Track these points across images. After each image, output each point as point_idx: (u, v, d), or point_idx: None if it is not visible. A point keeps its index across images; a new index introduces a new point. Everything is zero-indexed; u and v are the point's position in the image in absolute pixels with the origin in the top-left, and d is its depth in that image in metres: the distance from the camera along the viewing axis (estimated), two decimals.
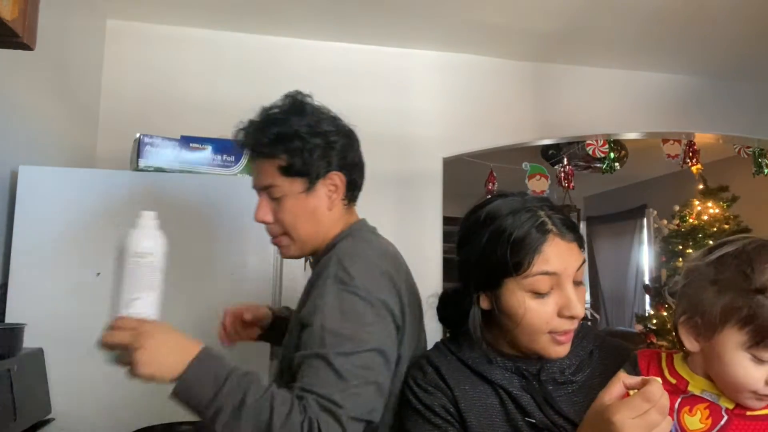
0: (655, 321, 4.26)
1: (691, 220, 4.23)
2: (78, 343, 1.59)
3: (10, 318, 1.57)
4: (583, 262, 0.93)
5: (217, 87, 2.71)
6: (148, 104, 2.62)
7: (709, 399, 0.83)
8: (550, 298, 0.90)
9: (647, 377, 0.75)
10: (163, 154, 1.71)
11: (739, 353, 0.80)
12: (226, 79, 2.73)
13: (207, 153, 1.75)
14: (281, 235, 1.18)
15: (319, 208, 1.15)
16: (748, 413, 0.81)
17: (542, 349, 0.92)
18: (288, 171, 1.12)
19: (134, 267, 0.96)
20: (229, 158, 1.76)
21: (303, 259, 1.90)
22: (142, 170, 1.69)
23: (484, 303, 0.96)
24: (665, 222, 4.57)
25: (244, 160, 1.77)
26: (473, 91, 2.98)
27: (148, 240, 0.99)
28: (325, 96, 3.18)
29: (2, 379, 1.32)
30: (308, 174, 1.13)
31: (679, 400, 0.84)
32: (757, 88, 3.26)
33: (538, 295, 0.89)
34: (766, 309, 0.77)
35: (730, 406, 0.82)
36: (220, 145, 1.77)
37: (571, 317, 0.90)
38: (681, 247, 4.22)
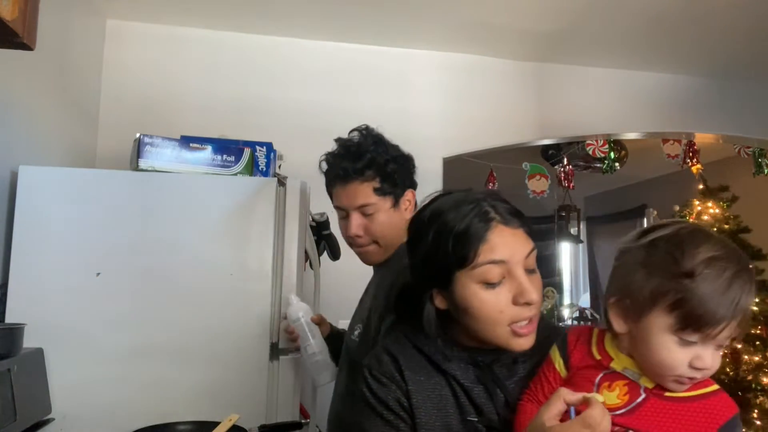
0: None
1: (691, 220, 4.23)
2: (78, 343, 1.59)
3: (10, 318, 1.57)
4: (533, 249, 0.91)
5: (217, 87, 2.71)
6: (148, 104, 2.62)
7: (630, 377, 0.83)
8: (503, 287, 0.88)
9: (589, 395, 0.75)
10: (163, 154, 1.71)
11: (665, 336, 0.80)
12: (226, 79, 2.73)
13: (207, 153, 1.75)
14: (370, 245, 1.40)
15: (402, 221, 1.38)
16: (666, 394, 0.81)
17: (503, 342, 0.90)
18: (381, 191, 1.36)
19: (298, 327, 1.55)
20: (229, 158, 1.76)
21: (304, 260, 1.90)
22: (142, 170, 1.69)
23: (440, 302, 0.95)
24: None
25: (244, 161, 1.77)
26: (473, 91, 2.98)
27: (296, 310, 1.56)
28: (325, 96, 3.21)
29: (2, 379, 1.32)
30: (394, 193, 1.38)
31: (600, 375, 0.85)
32: (757, 88, 3.26)
33: (490, 285, 0.88)
34: (694, 293, 0.77)
35: (650, 386, 0.82)
36: (220, 145, 1.77)
37: (527, 303, 0.88)
38: None
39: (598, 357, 0.87)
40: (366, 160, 1.34)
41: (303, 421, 1.61)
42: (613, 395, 0.82)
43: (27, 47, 1.09)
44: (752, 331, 3.78)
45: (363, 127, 1.41)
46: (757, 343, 3.73)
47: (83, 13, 2.41)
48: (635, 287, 0.83)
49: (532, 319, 0.90)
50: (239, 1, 2.48)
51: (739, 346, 3.74)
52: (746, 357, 3.70)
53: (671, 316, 0.79)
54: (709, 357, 0.79)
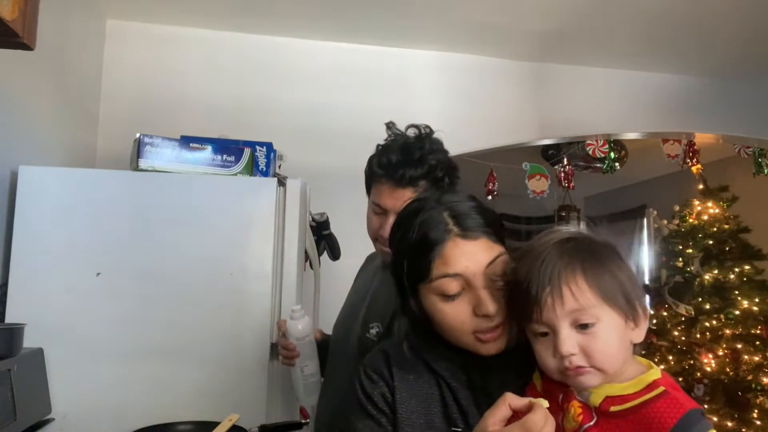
0: (655, 321, 4.26)
1: (691, 220, 4.23)
2: (78, 343, 1.59)
3: (10, 318, 1.57)
4: (497, 256, 0.88)
5: (217, 87, 2.71)
6: (148, 104, 2.63)
7: (581, 398, 0.81)
8: (462, 298, 0.88)
9: (534, 400, 0.73)
10: (163, 154, 1.71)
11: (530, 336, 0.82)
12: (226, 79, 2.73)
13: (207, 153, 1.75)
14: None
15: None
16: (612, 409, 0.78)
17: (471, 349, 0.90)
18: None
19: (299, 346, 1.40)
20: (229, 158, 1.76)
21: (304, 260, 1.90)
22: (142, 170, 1.69)
23: (416, 307, 0.96)
24: (665, 222, 4.57)
25: (244, 161, 1.77)
26: (473, 91, 2.98)
27: (303, 326, 1.41)
28: (325, 96, 3.20)
29: (2, 379, 1.32)
30: None
31: (561, 395, 0.83)
32: (757, 88, 3.26)
33: (448, 297, 0.88)
34: (516, 283, 0.80)
35: (596, 403, 0.79)
36: (220, 145, 1.77)
37: (485, 316, 0.86)
38: (681, 247, 4.22)
39: None
40: (424, 169, 1.28)
41: (303, 421, 1.61)
42: (570, 417, 0.80)
43: (27, 47, 1.09)
44: (752, 331, 3.78)
45: (424, 126, 1.34)
46: (757, 343, 3.73)
47: (83, 13, 2.41)
48: None
49: (498, 326, 0.88)
50: (239, 1, 2.48)
51: (740, 346, 3.74)
52: (746, 357, 3.70)
53: (520, 313, 0.82)
54: (566, 341, 0.76)
